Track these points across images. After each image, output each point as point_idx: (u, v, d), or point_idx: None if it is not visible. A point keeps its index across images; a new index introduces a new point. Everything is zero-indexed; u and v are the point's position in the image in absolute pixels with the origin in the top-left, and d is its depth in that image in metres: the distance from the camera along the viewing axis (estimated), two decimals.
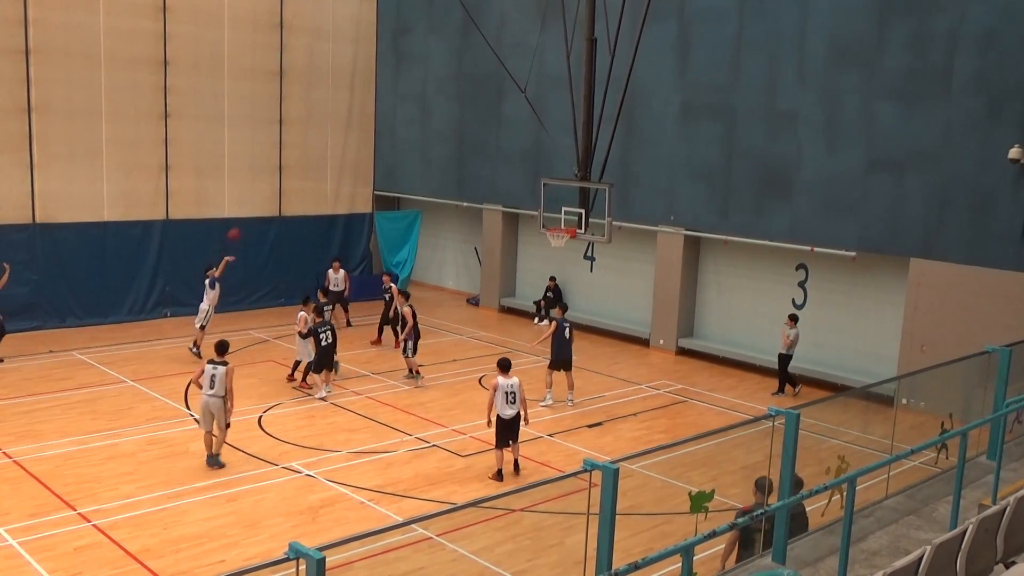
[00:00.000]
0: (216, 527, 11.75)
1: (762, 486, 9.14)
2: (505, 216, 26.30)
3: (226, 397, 13.66)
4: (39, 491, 12.57)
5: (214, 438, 13.76)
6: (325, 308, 18.50)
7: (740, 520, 7.75)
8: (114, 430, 15.07)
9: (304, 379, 17.92)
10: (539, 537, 11.63)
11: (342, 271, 23.03)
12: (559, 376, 17.54)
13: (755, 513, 7.64)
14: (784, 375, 18.99)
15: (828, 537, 8.60)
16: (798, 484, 9.13)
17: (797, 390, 18.89)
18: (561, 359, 17.44)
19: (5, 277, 19.06)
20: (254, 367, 19.05)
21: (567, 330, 17.51)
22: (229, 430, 13.93)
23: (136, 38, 22.15)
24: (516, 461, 14.06)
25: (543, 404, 17.30)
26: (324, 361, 17.39)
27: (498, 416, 13.76)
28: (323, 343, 17.18)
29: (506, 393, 13.82)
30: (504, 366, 14.23)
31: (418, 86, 28.31)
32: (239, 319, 23.12)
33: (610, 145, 17.94)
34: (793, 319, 18.91)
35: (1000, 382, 11.43)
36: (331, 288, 22.61)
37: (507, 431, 13.77)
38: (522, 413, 13.98)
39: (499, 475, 13.80)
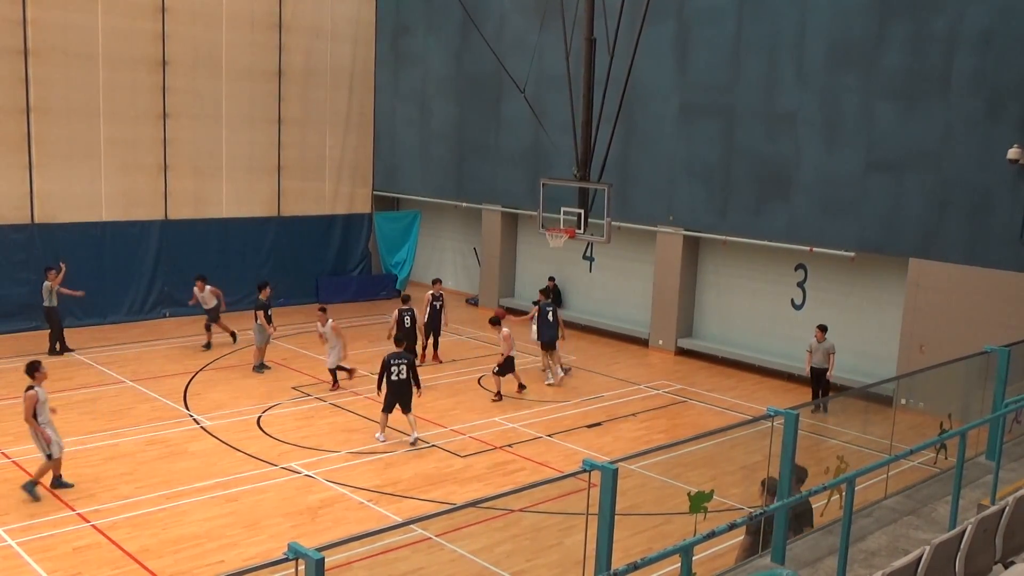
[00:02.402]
0: (215, 527, 11.74)
1: (770, 487, 9.14)
2: (504, 216, 26.30)
3: (31, 425, 12.29)
4: (38, 491, 12.56)
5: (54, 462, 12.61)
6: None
7: (739, 520, 7.74)
8: (113, 430, 15.07)
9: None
10: (538, 537, 11.62)
11: (208, 287, 20.34)
12: (545, 356, 19.20)
13: (754, 514, 7.64)
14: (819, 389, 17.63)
15: (827, 537, 8.60)
16: (802, 478, 9.17)
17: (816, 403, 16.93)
18: (543, 340, 18.92)
19: (61, 275, 19.46)
20: (252, 367, 19.04)
21: (549, 313, 18.97)
22: (57, 461, 12.54)
23: (134, 38, 22.15)
24: (520, 384, 18.10)
25: (548, 383, 18.98)
26: (394, 399, 15.10)
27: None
28: (394, 377, 15.02)
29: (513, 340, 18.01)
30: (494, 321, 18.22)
31: (417, 86, 28.32)
32: (238, 319, 23.06)
33: (609, 145, 17.95)
34: (822, 329, 17.48)
35: (999, 382, 11.44)
36: (203, 307, 20.48)
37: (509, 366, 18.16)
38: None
39: (499, 396, 17.78)
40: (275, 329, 19.47)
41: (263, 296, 19.10)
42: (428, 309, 20.35)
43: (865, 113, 18.32)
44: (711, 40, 20.78)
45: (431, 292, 20.68)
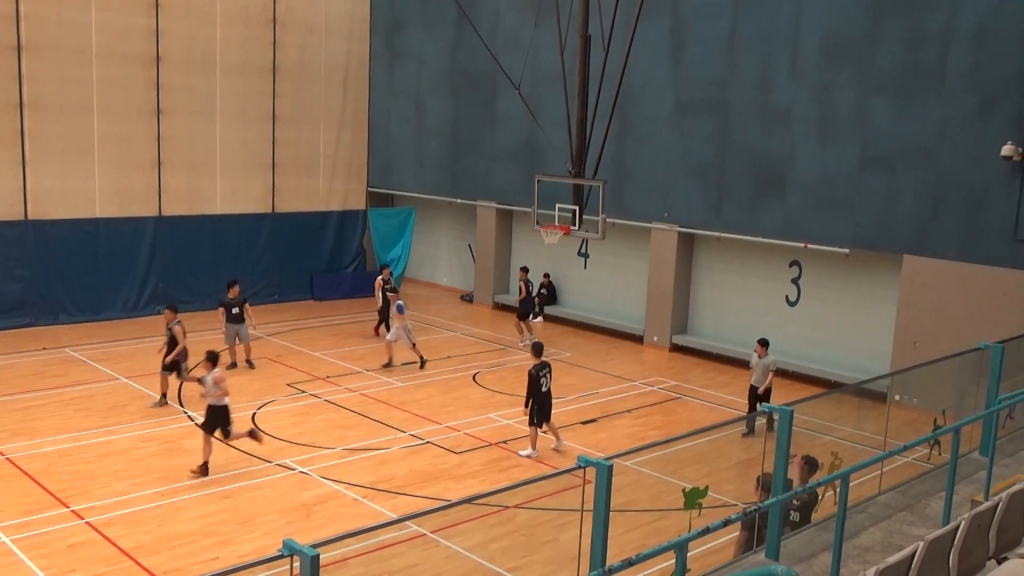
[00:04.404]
0: (210, 524, 11.73)
1: (765, 484, 9.17)
2: (499, 213, 26.29)
3: None
4: (32, 488, 12.55)
5: None
6: None
7: (734, 516, 7.75)
8: (108, 427, 15.04)
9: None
10: (533, 534, 11.64)
11: None
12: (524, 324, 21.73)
13: (748, 511, 7.66)
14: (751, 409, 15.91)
15: (821, 533, 8.63)
16: (814, 466, 9.22)
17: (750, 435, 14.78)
18: (520, 309, 22.03)
19: None
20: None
21: (529, 288, 22.33)
22: None
23: (128, 34, 22.09)
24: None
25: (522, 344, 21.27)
26: (546, 410, 14.57)
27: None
28: (544, 388, 14.45)
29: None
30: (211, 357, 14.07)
31: (412, 82, 28.28)
32: None
33: (604, 142, 17.94)
34: (763, 344, 15.96)
35: (993, 378, 11.47)
36: None
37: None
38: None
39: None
40: (254, 327, 19.13)
41: (231, 294, 18.55)
42: (379, 294, 21.82)
43: (860, 110, 18.34)
44: (706, 36, 20.78)
45: (380, 277, 22.08)
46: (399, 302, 19.59)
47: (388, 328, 21.37)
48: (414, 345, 19.43)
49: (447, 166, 27.50)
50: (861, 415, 14.45)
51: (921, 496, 9.73)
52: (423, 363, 19.44)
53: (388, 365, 19.27)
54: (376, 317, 22.24)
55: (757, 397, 15.85)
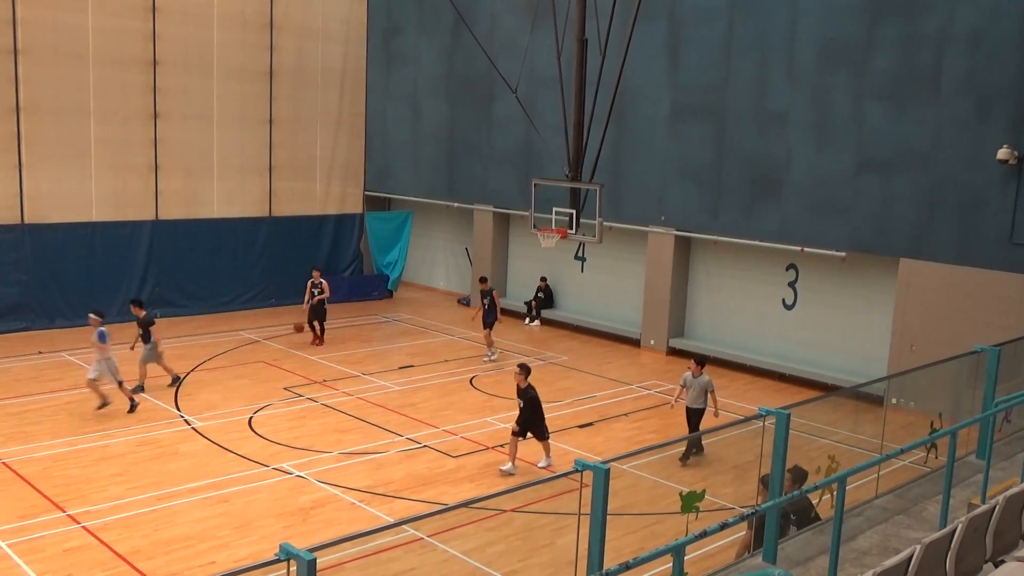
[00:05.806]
0: (207, 528, 11.71)
1: (767, 484, 9.17)
2: (496, 216, 26.31)
3: None
4: (28, 492, 12.52)
5: None
6: None
7: (731, 520, 7.75)
8: (104, 431, 15.02)
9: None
10: (530, 537, 11.63)
11: None
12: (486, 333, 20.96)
13: (745, 514, 7.66)
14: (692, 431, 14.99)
15: (818, 536, 8.63)
16: (802, 477, 9.21)
17: (687, 461, 14.52)
18: (484, 321, 20.83)
19: None
20: (244, 368, 19.01)
21: (487, 298, 20.92)
22: None
23: (125, 38, 22.09)
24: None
25: (484, 360, 20.61)
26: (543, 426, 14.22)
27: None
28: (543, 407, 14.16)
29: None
30: None
31: (409, 86, 28.30)
32: (229, 319, 23.08)
33: (601, 145, 17.96)
34: (699, 363, 15.09)
35: (989, 382, 11.49)
36: None
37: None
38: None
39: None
40: (144, 348, 17.75)
41: (135, 313, 17.58)
42: (308, 296, 21.42)
43: (856, 113, 18.37)
44: (702, 40, 20.82)
45: (311, 280, 21.67)
46: (100, 329, 15.88)
47: (323, 328, 21.46)
48: (120, 383, 16.10)
49: (444, 170, 27.51)
50: (858, 418, 14.48)
51: (918, 499, 9.74)
52: (111, 402, 16.02)
53: (102, 406, 15.82)
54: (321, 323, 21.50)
55: (693, 420, 14.97)
